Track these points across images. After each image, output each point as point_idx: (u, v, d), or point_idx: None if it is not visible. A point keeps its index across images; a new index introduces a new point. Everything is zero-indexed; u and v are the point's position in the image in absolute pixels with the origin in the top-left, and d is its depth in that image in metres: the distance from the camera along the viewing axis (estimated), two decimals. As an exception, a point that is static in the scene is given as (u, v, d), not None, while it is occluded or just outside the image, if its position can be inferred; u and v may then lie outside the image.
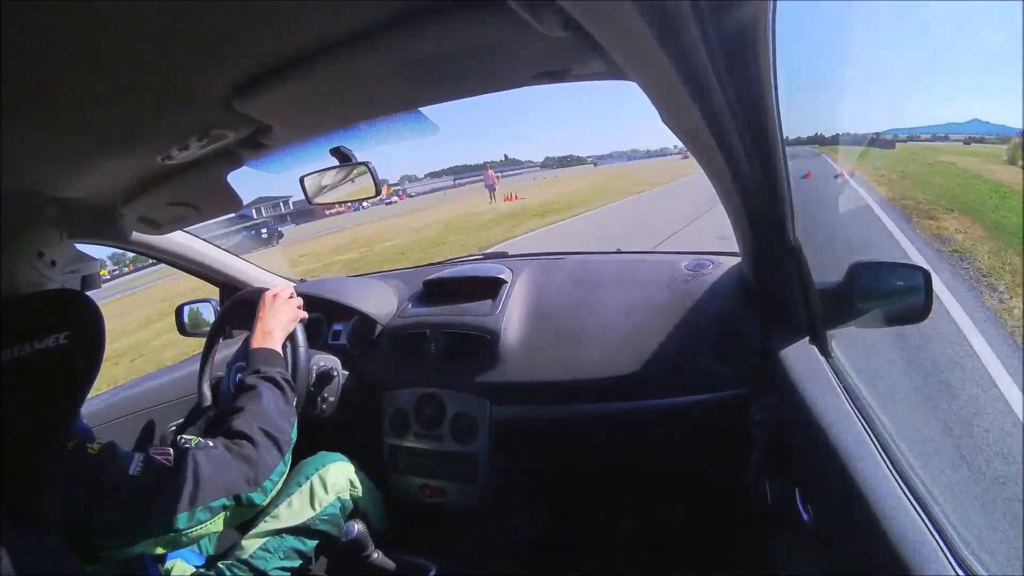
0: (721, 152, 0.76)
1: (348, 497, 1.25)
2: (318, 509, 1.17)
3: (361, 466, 1.33)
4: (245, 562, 1.07)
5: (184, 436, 0.81)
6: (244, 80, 0.62)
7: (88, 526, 0.68)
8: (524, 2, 0.42)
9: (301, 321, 1.21)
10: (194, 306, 1.74)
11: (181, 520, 0.72)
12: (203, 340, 1.43)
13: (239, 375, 1.17)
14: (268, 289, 1.23)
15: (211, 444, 0.80)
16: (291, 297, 1.20)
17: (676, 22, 0.47)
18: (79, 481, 0.69)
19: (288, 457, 0.88)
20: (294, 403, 0.97)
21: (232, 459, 0.80)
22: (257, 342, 1.07)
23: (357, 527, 1.15)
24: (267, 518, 1.13)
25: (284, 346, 1.27)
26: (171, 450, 0.78)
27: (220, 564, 1.07)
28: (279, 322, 1.13)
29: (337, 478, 1.24)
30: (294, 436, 0.91)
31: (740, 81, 0.61)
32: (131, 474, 0.72)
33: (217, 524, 0.77)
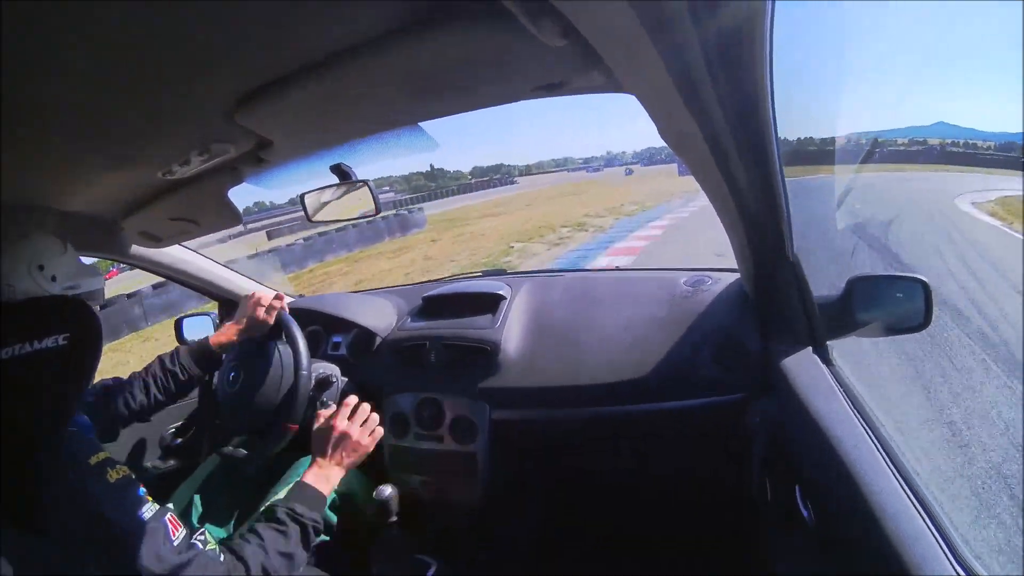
0: (719, 167, 0.76)
1: (341, 490, 1.22)
2: None
3: (361, 467, 1.32)
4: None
5: (205, 535, 0.78)
6: (246, 93, 0.63)
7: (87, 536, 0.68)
8: (523, 3, 0.42)
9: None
10: (193, 319, 1.73)
11: None
12: None
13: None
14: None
15: (220, 559, 0.77)
16: (369, 415, 1.08)
17: (675, 29, 0.47)
18: (89, 497, 0.69)
19: None
20: (311, 549, 0.91)
21: None
22: (312, 476, 0.96)
23: (389, 491, 1.14)
24: (264, 504, 1.12)
25: (278, 350, 1.26)
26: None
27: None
28: (347, 456, 1.02)
29: None
30: None
31: (737, 94, 0.62)
32: (141, 517, 0.70)
33: None
